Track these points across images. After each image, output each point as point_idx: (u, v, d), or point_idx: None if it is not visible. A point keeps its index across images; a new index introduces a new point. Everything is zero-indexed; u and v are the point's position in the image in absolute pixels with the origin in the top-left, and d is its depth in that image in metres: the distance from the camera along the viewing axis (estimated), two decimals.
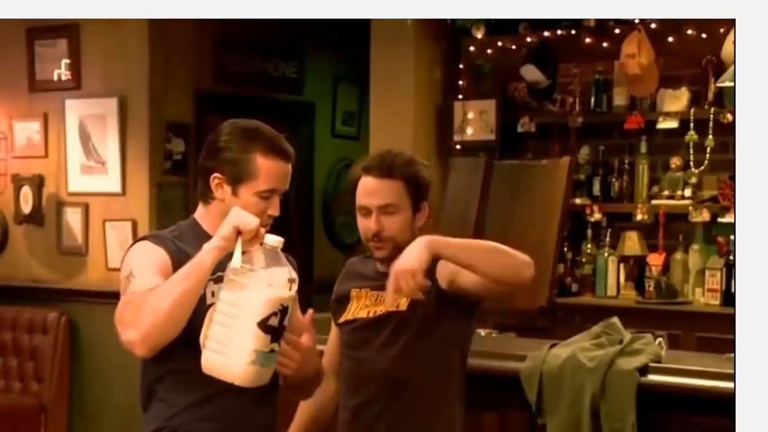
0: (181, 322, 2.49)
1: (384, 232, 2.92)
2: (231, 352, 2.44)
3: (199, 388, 2.62)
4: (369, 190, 2.93)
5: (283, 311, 2.43)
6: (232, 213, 2.51)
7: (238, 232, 2.47)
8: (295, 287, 2.49)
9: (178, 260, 2.62)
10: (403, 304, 2.88)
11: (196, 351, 2.55)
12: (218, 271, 2.65)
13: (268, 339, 2.42)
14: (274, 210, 2.68)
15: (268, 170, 2.67)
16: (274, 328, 2.42)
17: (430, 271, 2.84)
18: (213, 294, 2.64)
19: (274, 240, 2.48)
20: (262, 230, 2.49)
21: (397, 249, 2.90)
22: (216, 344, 2.47)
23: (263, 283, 2.43)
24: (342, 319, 3.02)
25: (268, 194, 2.67)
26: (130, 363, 6.40)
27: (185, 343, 2.55)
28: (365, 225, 2.95)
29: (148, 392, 2.76)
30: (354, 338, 2.99)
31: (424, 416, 2.92)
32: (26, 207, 6.37)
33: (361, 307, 2.99)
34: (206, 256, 2.48)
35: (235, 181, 2.68)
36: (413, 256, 2.69)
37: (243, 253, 2.46)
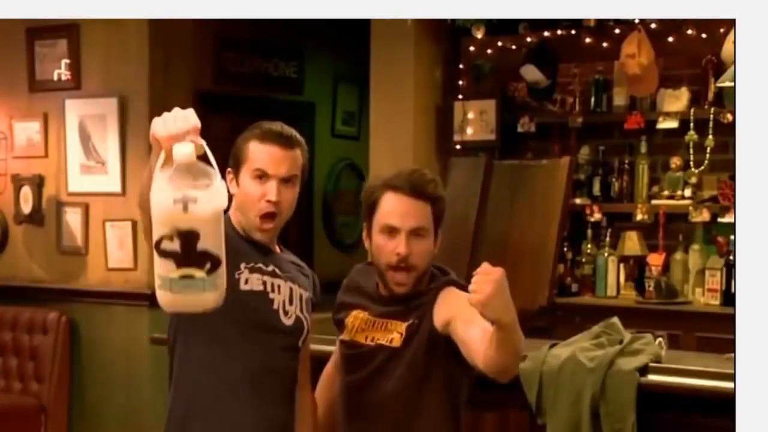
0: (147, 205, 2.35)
1: (412, 257, 2.80)
2: (155, 277, 2.29)
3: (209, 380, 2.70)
4: (401, 210, 2.80)
5: (181, 235, 2.18)
6: (155, 119, 2.32)
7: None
8: (199, 206, 2.20)
9: None
10: (397, 341, 2.84)
11: (209, 341, 2.66)
12: (251, 262, 2.72)
13: (172, 263, 2.20)
14: (271, 194, 2.70)
15: (258, 152, 2.72)
16: (173, 252, 2.19)
17: (429, 306, 2.83)
18: (246, 281, 2.69)
19: (178, 154, 2.20)
20: (176, 145, 2.23)
21: (417, 281, 2.85)
22: None
23: (153, 203, 2.22)
24: (344, 337, 2.97)
25: (259, 174, 2.70)
26: (130, 363, 6.42)
27: (199, 331, 2.66)
28: (391, 247, 2.80)
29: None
30: (348, 362, 2.95)
31: None
32: (26, 207, 6.37)
33: (357, 330, 2.93)
34: (152, 156, 2.34)
35: (236, 169, 2.76)
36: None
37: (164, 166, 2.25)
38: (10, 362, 6.19)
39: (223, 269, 2.29)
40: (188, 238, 2.19)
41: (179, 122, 2.26)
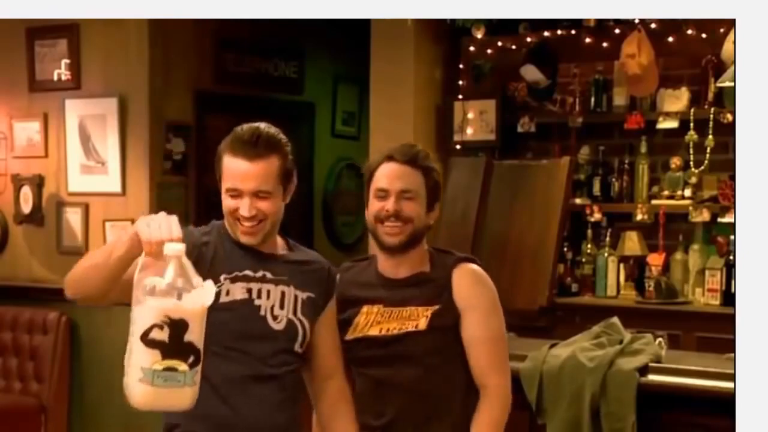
0: (86, 287, 2.59)
1: (403, 212, 2.91)
2: (129, 371, 2.35)
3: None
4: (391, 173, 2.94)
5: (172, 324, 2.28)
6: (139, 220, 2.46)
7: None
8: (190, 298, 2.32)
9: (193, 249, 2.67)
10: (423, 324, 2.89)
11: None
12: (235, 271, 2.71)
13: (157, 354, 2.28)
14: (243, 210, 2.68)
15: (228, 168, 2.70)
16: (161, 342, 2.28)
17: (447, 287, 2.90)
18: (227, 293, 2.69)
19: (172, 249, 2.33)
20: (168, 244, 2.36)
21: (413, 237, 2.93)
22: (126, 366, 2.39)
23: (145, 294, 2.31)
24: (350, 336, 2.95)
25: (233, 193, 2.69)
26: None
27: None
28: (380, 206, 2.93)
29: None
30: (367, 356, 2.95)
31: (453, 425, 2.93)
32: (26, 207, 6.36)
33: (371, 324, 2.94)
34: (118, 244, 2.48)
35: (219, 182, 2.76)
36: None
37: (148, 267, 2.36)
38: (10, 362, 6.19)
39: (200, 367, 2.36)
40: (178, 327, 2.27)
41: (163, 230, 2.37)
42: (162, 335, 2.26)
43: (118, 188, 6.05)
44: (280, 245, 2.87)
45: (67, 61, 6.19)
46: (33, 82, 6.36)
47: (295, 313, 2.77)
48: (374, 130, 5.80)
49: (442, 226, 5.30)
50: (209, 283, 2.35)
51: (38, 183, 6.33)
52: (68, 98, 6.18)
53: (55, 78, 6.24)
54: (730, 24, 4.85)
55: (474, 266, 3.00)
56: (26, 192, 6.36)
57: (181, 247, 2.33)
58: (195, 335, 2.31)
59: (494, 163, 5.41)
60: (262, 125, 2.76)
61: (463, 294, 2.92)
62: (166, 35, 6.07)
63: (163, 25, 5.95)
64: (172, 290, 2.27)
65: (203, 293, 2.32)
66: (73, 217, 6.22)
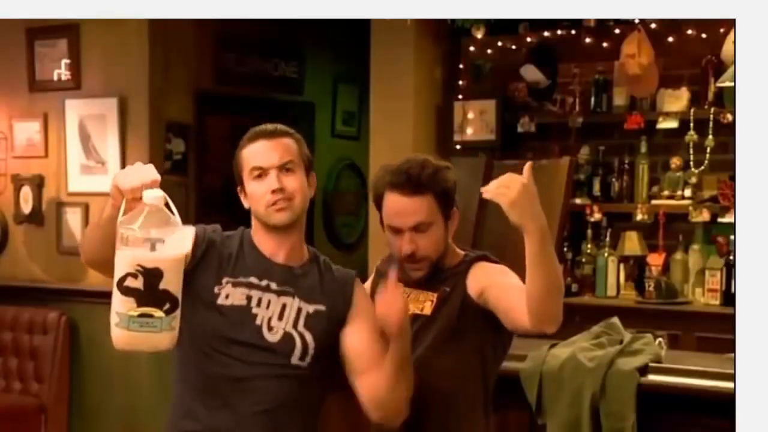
0: (89, 251, 2.59)
1: (419, 251, 2.83)
2: (111, 314, 2.39)
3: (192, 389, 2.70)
4: (399, 209, 2.81)
5: (145, 273, 2.31)
6: (116, 173, 2.49)
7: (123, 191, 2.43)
8: (165, 247, 2.35)
9: (201, 242, 2.70)
10: (427, 309, 2.86)
11: (189, 350, 2.66)
12: (240, 276, 2.70)
13: (132, 302, 2.32)
14: (272, 184, 2.68)
15: (249, 152, 2.73)
16: (135, 290, 2.31)
17: (461, 277, 2.85)
18: (227, 296, 2.68)
19: (148, 196, 2.36)
20: (145, 191, 2.39)
21: (435, 267, 2.87)
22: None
23: (120, 242, 2.34)
24: None
25: (257, 172, 2.70)
26: (130, 363, 6.41)
27: (188, 345, 2.65)
28: (398, 245, 2.84)
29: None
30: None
31: (444, 421, 2.87)
32: (26, 207, 6.36)
33: None
34: (106, 208, 2.49)
35: (240, 180, 2.75)
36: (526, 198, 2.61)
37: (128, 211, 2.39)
38: (10, 362, 6.19)
39: (179, 312, 2.40)
40: (152, 276, 2.31)
41: (142, 174, 2.42)
42: (136, 283, 2.31)
43: None
44: (303, 257, 2.84)
45: (67, 61, 6.19)
46: (33, 82, 6.36)
47: (295, 326, 2.71)
48: (374, 130, 5.80)
49: None
50: (187, 229, 2.39)
51: (38, 183, 6.33)
52: (68, 98, 6.18)
53: (55, 78, 6.24)
54: (730, 24, 4.85)
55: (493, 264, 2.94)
56: (26, 192, 6.36)
57: (157, 195, 2.36)
58: (171, 284, 2.35)
59: (494, 163, 5.41)
60: None
61: (477, 274, 2.84)
62: (166, 35, 6.07)
63: (163, 25, 5.94)
64: (146, 240, 2.31)
65: (179, 241, 2.35)
66: (73, 217, 6.22)
